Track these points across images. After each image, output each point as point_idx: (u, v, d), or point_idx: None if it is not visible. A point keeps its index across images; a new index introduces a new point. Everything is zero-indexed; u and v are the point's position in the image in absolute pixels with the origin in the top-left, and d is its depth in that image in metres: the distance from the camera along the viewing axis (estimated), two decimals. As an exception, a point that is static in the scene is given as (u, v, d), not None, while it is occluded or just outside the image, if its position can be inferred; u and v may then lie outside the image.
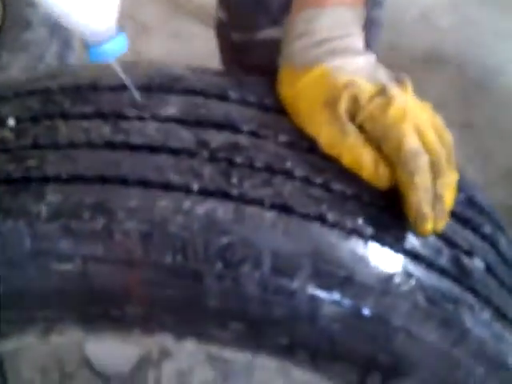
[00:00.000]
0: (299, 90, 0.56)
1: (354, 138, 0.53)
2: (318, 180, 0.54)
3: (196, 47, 1.61)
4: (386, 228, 0.54)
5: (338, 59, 0.55)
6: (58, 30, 1.36)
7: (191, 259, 0.50)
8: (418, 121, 0.54)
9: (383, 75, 0.56)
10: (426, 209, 0.52)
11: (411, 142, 0.52)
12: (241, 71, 1.41)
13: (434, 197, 0.53)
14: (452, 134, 0.56)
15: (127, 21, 1.86)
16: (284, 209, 0.52)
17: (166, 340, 0.59)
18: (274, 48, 1.44)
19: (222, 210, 0.50)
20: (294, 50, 0.57)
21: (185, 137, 0.54)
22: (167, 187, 0.51)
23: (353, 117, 0.54)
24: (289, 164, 0.54)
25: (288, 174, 0.54)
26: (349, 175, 0.55)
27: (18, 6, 1.36)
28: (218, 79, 0.60)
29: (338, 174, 0.55)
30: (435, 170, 0.53)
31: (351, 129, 0.53)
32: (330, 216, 0.53)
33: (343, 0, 0.57)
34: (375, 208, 0.55)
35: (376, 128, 0.53)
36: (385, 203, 0.55)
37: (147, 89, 0.57)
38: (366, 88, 0.54)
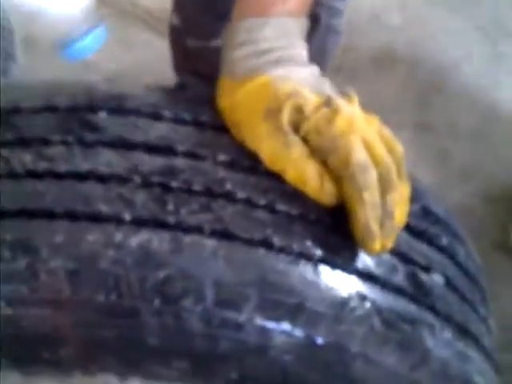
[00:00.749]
0: (239, 101, 0.52)
1: (297, 150, 0.50)
2: (262, 201, 0.51)
3: (144, 54, 1.56)
4: (336, 248, 0.51)
5: (281, 69, 0.52)
6: (-1, 43, 1.30)
7: (126, 296, 0.46)
8: (365, 133, 0.51)
9: (328, 87, 0.53)
10: (374, 226, 0.49)
11: (359, 155, 0.49)
12: (194, 79, 1.37)
13: (383, 213, 0.49)
14: (407, 135, 0.53)
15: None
16: (225, 235, 0.48)
17: (109, 381, 0.54)
18: None
19: (158, 241, 0.46)
20: (234, 59, 0.53)
21: (114, 162, 0.50)
22: (96, 219, 0.47)
23: (296, 128, 0.50)
24: (229, 186, 0.50)
25: (229, 197, 0.50)
26: (294, 194, 0.51)
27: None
28: (151, 96, 0.55)
29: (283, 194, 0.51)
30: (384, 185, 0.50)
31: (295, 140, 0.50)
32: (276, 240, 0.49)
33: (287, 10, 0.54)
34: (323, 227, 0.51)
35: (322, 140, 0.50)
36: (332, 221, 0.52)
37: (72, 110, 0.52)
38: (310, 98, 0.50)
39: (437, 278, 0.57)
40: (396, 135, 0.53)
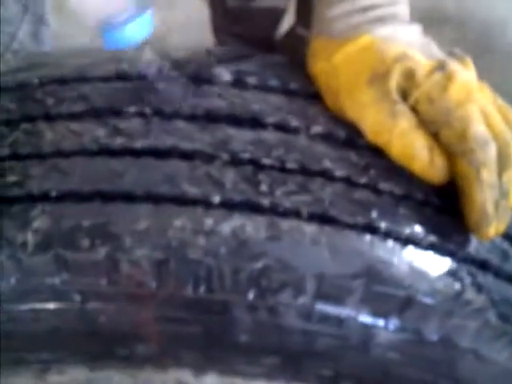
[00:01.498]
0: (338, 65, 0.46)
1: (406, 121, 0.43)
2: (363, 180, 0.45)
3: (185, 14, 1.49)
4: (447, 233, 0.45)
5: (387, 28, 0.45)
6: (30, 5, 1.24)
7: (217, 290, 0.41)
8: (482, 102, 0.44)
9: (436, 49, 0.46)
10: (491, 209, 0.43)
11: (478, 127, 0.43)
12: (234, 41, 1.30)
13: (499, 193, 0.43)
14: None
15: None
16: (326, 219, 0.42)
17: (183, 376, 0.49)
18: (274, 18, 1.33)
19: (253, 227, 0.41)
20: (332, 17, 0.47)
21: (198, 136, 0.44)
22: (183, 202, 0.41)
23: (405, 96, 0.44)
24: (327, 163, 0.44)
25: (327, 176, 0.44)
26: (398, 171, 0.45)
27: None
28: (230, 61, 0.49)
29: (386, 171, 0.45)
30: (503, 161, 0.44)
31: (403, 110, 0.44)
32: (382, 224, 0.43)
33: None
34: (431, 209, 0.45)
35: (434, 110, 0.43)
36: (441, 202, 0.46)
37: (145, 78, 0.47)
38: (421, 62, 0.44)
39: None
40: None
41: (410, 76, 0.44)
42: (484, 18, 1.69)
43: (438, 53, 0.46)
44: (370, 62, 0.44)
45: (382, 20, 0.46)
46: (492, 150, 0.43)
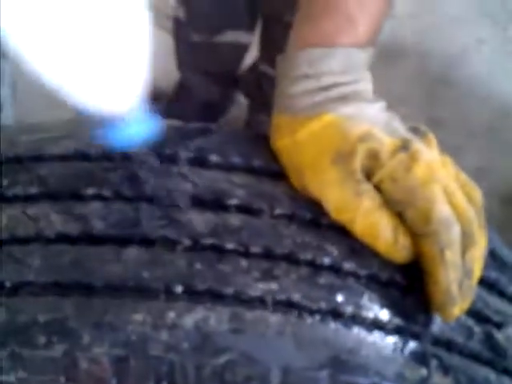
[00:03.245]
0: (302, 142, 0.46)
1: (370, 200, 0.43)
2: (326, 261, 0.44)
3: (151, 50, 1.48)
4: (412, 314, 0.45)
5: (350, 106, 0.45)
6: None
7: (180, 385, 0.40)
8: (445, 181, 0.44)
9: (399, 126, 0.46)
10: (455, 290, 0.43)
11: (442, 208, 0.43)
12: (199, 77, 1.29)
13: (462, 273, 0.43)
14: None
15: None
16: (291, 307, 0.42)
17: None
18: (238, 53, 1.32)
19: (216, 319, 0.40)
20: (295, 94, 0.46)
21: (159, 221, 0.43)
22: (143, 293, 0.40)
23: (368, 175, 0.44)
24: (291, 246, 0.44)
25: (291, 260, 0.44)
26: (361, 250, 0.45)
27: None
28: (191, 137, 0.48)
29: (349, 250, 0.45)
30: (466, 241, 0.44)
31: (367, 189, 0.44)
32: (347, 309, 0.43)
33: (354, 38, 0.47)
34: (396, 289, 0.45)
35: (398, 190, 0.43)
36: (405, 282, 0.45)
37: (105, 158, 0.45)
38: (385, 141, 0.44)
39: (510, 333, 0.51)
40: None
41: (374, 156, 0.43)
42: (444, 49, 1.71)
43: (401, 130, 0.46)
44: (333, 140, 0.44)
45: (345, 98, 0.46)
46: (456, 231, 0.43)
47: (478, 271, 0.45)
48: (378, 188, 0.44)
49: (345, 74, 0.46)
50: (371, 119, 0.45)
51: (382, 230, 0.44)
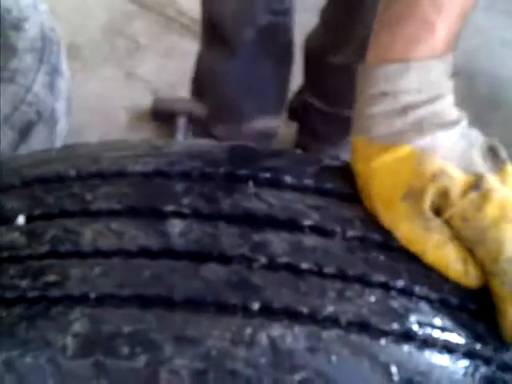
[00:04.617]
0: (375, 170, 0.46)
1: (439, 234, 0.44)
2: (399, 284, 0.45)
3: (190, 65, 1.51)
4: (484, 339, 0.45)
5: (426, 136, 0.45)
6: (45, 56, 1.24)
7: (256, 400, 0.41)
8: None
9: (478, 157, 0.46)
10: None
11: (511, 248, 0.43)
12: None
13: None
14: None
15: (118, 37, 1.75)
16: (364, 327, 0.42)
17: None
18: (267, 137, 1.31)
19: (292, 337, 0.41)
20: (373, 115, 0.47)
21: (236, 239, 0.44)
22: (222, 309, 0.41)
23: (438, 211, 0.45)
24: (364, 268, 0.45)
25: (364, 281, 0.44)
26: (432, 275, 0.46)
27: (1, 30, 1.23)
28: (264, 158, 0.50)
29: (421, 275, 0.46)
30: None
31: (436, 225, 0.44)
32: (420, 332, 0.43)
33: (431, 48, 0.46)
34: (467, 314, 0.46)
35: (468, 229, 0.44)
36: (477, 307, 0.46)
37: (187, 176, 0.47)
38: (457, 180, 0.44)
39: None
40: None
41: (444, 195, 0.44)
42: (493, 72, 1.71)
43: (477, 162, 0.46)
44: (406, 174, 0.45)
45: (421, 124, 0.46)
46: None
47: None
48: (448, 223, 0.45)
49: (421, 93, 0.46)
50: (446, 153, 0.46)
51: (452, 261, 0.44)
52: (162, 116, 1.52)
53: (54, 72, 1.27)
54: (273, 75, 1.20)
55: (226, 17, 1.11)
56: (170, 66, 1.70)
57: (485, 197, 0.44)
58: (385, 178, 0.46)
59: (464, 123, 0.47)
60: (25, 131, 1.10)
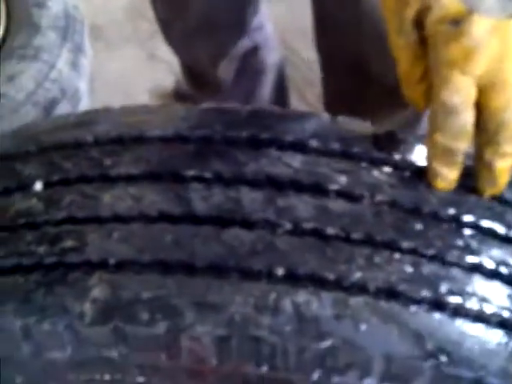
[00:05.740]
0: None
1: (410, 51, 0.44)
2: (430, 252, 0.43)
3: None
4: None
5: None
6: (69, 34, 1.24)
7: (280, 368, 0.39)
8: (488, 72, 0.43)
9: None
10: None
11: (454, 96, 0.42)
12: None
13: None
14: None
15: (140, 19, 1.73)
16: (393, 295, 0.41)
17: None
18: None
19: (318, 304, 0.39)
20: None
21: (260, 204, 0.43)
22: (245, 274, 0.40)
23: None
24: (393, 234, 0.43)
25: (393, 247, 0.42)
26: (465, 241, 0.44)
27: (24, 8, 1.23)
28: (288, 121, 0.48)
29: (451, 239, 0.44)
30: (486, 140, 0.44)
31: (412, 40, 0.44)
32: (451, 299, 0.41)
33: None
34: (501, 281, 0.44)
35: (431, 58, 0.44)
36: (508, 273, 0.44)
37: (205, 140, 0.46)
38: (444, 5, 0.42)
39: None
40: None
41: (425, 14, 0.43)
42: None
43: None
44: None
45: None
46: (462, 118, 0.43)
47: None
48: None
49: None
50: None
51: (404, 57, 0.45)
52: (183, 97, 1.51)
53: (78, 50, 1.26)
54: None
55: (204, 62, 1.09)
56: (193, 47, 1.68)
57: (457, 34, 0.42)
58: None
59: None
60: (48, 108, 1.09)
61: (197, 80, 1.17)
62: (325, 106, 1.18)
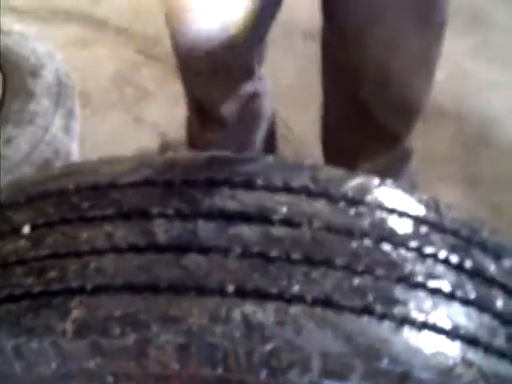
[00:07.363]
0: None
1: None
2: (360, 267, 0.50)
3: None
4: (440, 313, 0.50)
5: None
6: (62, 100, 1.34)
7: (233, 369, 0.46)
8: None
9: None
10: None
11: None
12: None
13: None
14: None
15: (126, 85, 1.84)
16: (328, 304, 0.48)
17: None
18: None
19: (263, 313, 0.46)
20: None
21: (213, 233, 0.50)
22: (201, 291, 0.47)
23: None
24: (328, 253, 0.50)
25: (328, 264, 0.50)
26: (392, 257, 0.51)
27: (20, 76, 1.33)
28: (239, 164, 0.56)
29: (381, 258, 0.51)
30: None
31: None
32: (378, 307, 0.48)
33: None
34: (424, 290, 0.51)
35: None
36: (435, 284, 0.51)
37: (169, 184, 0.54)
38: None
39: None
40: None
41: None
42: (481, 113, 1.76)
43: None
44: None
45: None
46: None
47: None
48: None
49: None
50: None
51: None
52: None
53: (70, 114, 1.36)
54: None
55: (213, 99, 1.21)
56: (177, 111, 1.78)
57: None
58: None
59: None
60: (43, 168, 1.18)
61: (203, 115, 1.27)
62: (322, 140, 1.27)
